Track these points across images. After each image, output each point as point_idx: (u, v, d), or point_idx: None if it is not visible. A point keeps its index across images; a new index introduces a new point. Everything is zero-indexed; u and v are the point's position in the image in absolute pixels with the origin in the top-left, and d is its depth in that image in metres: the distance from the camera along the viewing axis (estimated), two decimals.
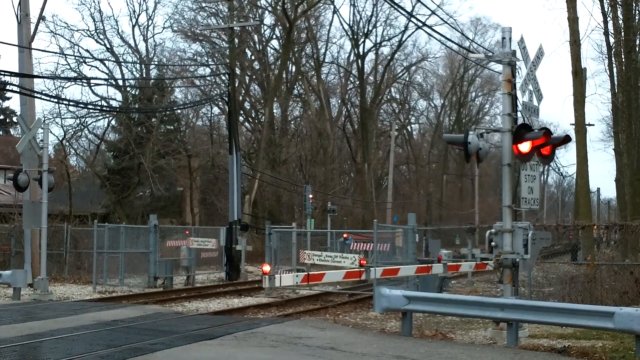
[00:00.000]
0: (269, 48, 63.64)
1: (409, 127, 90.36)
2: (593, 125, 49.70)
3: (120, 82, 57.44)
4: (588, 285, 20.14)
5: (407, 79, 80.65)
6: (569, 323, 13.34)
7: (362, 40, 71.66)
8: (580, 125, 27.09)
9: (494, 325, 14.93)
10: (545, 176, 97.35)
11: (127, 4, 65.35)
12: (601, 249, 28.92)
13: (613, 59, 35.48)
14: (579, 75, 26.83)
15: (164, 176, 54.17)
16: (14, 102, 70.97)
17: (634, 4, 32.27)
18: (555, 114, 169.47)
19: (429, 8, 57.47)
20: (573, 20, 26.30)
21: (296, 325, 16.07)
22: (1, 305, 20.27)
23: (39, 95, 30.70)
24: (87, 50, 57.92)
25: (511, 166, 14.80)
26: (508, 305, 13.53)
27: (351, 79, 74.41)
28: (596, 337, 14.40)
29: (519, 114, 15.10)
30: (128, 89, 58.19)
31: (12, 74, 29.42)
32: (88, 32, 56.86)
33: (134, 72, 59.95)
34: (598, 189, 71.22)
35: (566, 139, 15.21)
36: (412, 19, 52.36)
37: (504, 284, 14.78)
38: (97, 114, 54.23)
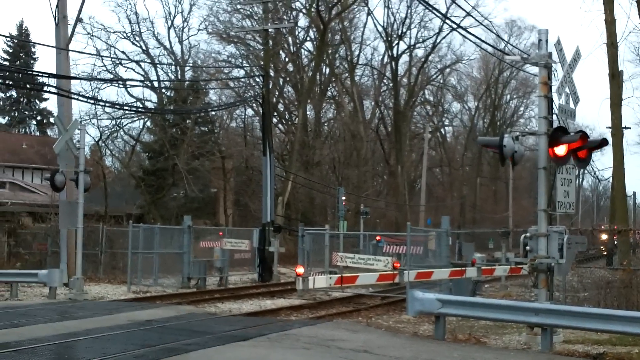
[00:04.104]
0: (303, 50, 63.78)
1: (442, 130, 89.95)
2: (630, 128, 49.18)
3: (156, 84, 57.87)
4: (624, 291, 19.88)
5: (441, 81, 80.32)
6: (604, 329, 13.17)
7: (396, 42, 71.50)
8: (617, 129, 26.74)
9: (528, 330, 14.80)
10: (581, 179, 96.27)
11: (163, 6, 66.54)
12: (637, 254, 28.58)
13: None
14: (615, 78, 26.51)
15: (198, 177, 54.44)
16: (50, 103, 72.02)
17: None
18: (592, 116, 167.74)
19: (463, 9, 57.31)
20: (610, 23, 26.00)
21: (329, 328, 16.06)
22: (37, 304, 20.52)
23: (75, 97, 31.09)
24: (123, 52, 58.45)
25: (547, 169, 14.66)
26: (542, 310, 13.41)
27: (385, 81, 74.28)
28: (632, 344, 14.22)
29: (554, 116, 14.95)
30: (163, 90, 58.64)
31: (49, 75, 29.81)
32: (124, 34, 57.41)
33: (169, 74, 60.47)
34: (634, 193, 70.41)
35: (603, 143, 15.04)
36: (447, 21, 52.21)
37: (539, 288, 14.63)
38: (132, 115, 54.75)
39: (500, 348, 14.29)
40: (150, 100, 59.10)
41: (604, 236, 43.04)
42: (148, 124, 58.09)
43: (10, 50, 70.56)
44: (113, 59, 54.92)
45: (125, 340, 13.34)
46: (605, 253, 45.13)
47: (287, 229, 44.97)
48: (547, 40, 14.94)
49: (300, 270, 20.01)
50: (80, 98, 46.08)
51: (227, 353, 12.23)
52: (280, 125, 63.62)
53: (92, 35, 55.12)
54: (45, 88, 42.77)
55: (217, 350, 12.44)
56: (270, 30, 48.82)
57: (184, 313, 18.69)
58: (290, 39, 61.35)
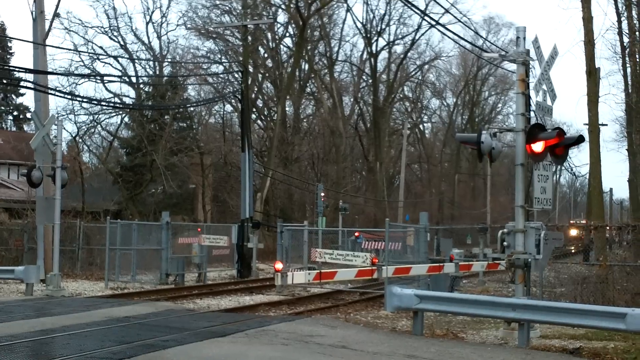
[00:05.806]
0: (282, 46, 63.79)
1: (421, 126, 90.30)
2: (606, 125, 49.32)
3: (134, 79, 57.57)
4: (600, 286, 20.06)
5: (420, 78, 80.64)
6: (580, 324, 13.28)
7: (375, 38, 71.70)
8: (594, 126, 26.90)
9: (506, 325, 14.90)
10: (558, 176, 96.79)
11: (141, 1, 66.00)
12: (613, 250, 28.82)
13: (627, 58, 35.29)
14: (592, 75, 26.64)
15: (177, 173, 54.28)
16: (27, 99, 71.37)
17: None
18: (569, 113, 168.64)
19: (442, 6, 57.43)
20: (587, 20, 26.11)
21: (307, 324, 16.08)
22: (14, 301, 20.38)
23: (53, 92, 30.89)
24: (101, 47, 57.99)
25: (524, 166, 14.75)
26: (520, 305, 13.50)
27: (364, 77, 74.40)
28: (608, 338, 14.34)
29: (532, 113, 15.05)
30: (141, 86, 58.34)
31: (26, 70, 29.59)
32: (102, 29, 57.10)
33: (148, 70, 60.17)
34: (611, 190, 70.80)
35: (580, 139, 15.13)
36: (426, 18, 52.38)
37: (516, 284, 14.74)
38: (110, 110, 54.41)
39: (477, 343, 14.36)
40: (128, 96, 58.80)
41: (573, 232, 43.24)
42: (126, 119, 57.84)
43: None
44: (91, 54, 54.56)
45: (103, 337, 13.28)
46: (573, 251, 45.49)
47: (266, 225, 44.99)
48: (524, 38, 15.04)
49: (279, 266, 19.95)
50: (57, 93, 45.70)
51: (205, 349, 12.20)
52: (259, 122, 63.55)
53: (70, 30, 54.80)
54: (22, 83, 42.38)
55: (195, 347, 12.41)
56: (249, 26, 48.82)
57: (162, 309, 18.63)
58: (269, 35, 61.30)
